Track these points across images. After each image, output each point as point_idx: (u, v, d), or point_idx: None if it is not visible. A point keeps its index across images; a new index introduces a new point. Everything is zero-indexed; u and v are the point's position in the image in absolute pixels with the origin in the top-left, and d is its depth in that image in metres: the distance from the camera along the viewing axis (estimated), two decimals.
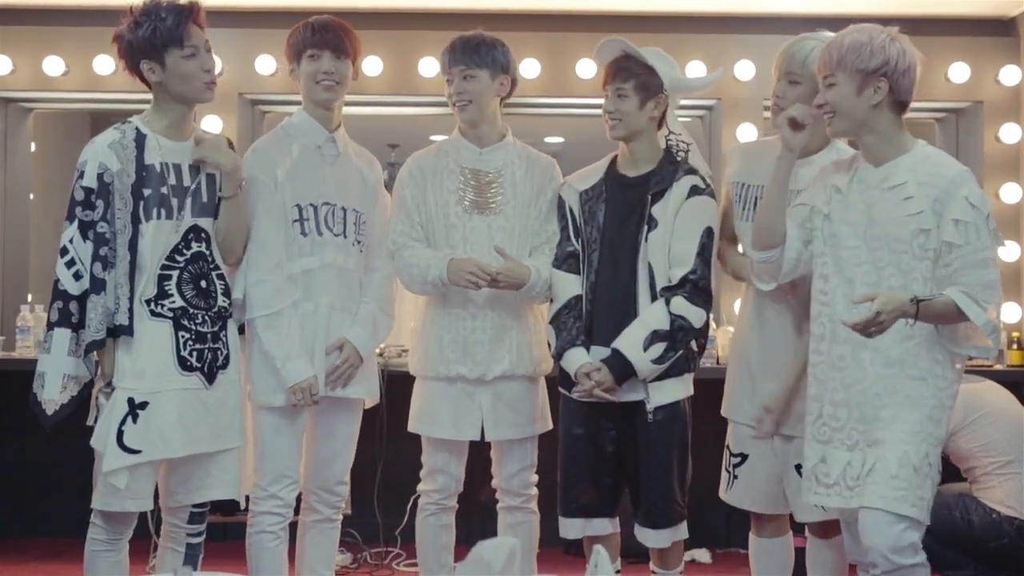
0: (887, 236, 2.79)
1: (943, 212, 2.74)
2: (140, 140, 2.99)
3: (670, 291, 3.14)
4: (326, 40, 3.22)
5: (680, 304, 3.13)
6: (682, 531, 3.27)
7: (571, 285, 3.25)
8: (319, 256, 3.23)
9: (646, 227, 3.17)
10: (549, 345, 3.31)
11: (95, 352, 2.94)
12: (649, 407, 3.17)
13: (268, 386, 3.20)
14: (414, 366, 3.42)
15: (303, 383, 3.16)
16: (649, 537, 3.24)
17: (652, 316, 3.13)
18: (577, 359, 3.18)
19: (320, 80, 3.24)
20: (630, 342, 3.12)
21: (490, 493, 3.48)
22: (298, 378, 3.16)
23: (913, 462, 2.74)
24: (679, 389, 3.21)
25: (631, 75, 3.20)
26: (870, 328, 2.68)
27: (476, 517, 4.31)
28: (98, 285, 2.91)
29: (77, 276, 2.93)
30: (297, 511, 3.34)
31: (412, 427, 3.40)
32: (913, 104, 2.91)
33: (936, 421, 2.79)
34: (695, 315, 3.14)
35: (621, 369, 3.12)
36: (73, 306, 2.93)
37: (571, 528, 3.28)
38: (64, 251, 2.94)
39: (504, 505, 3.43)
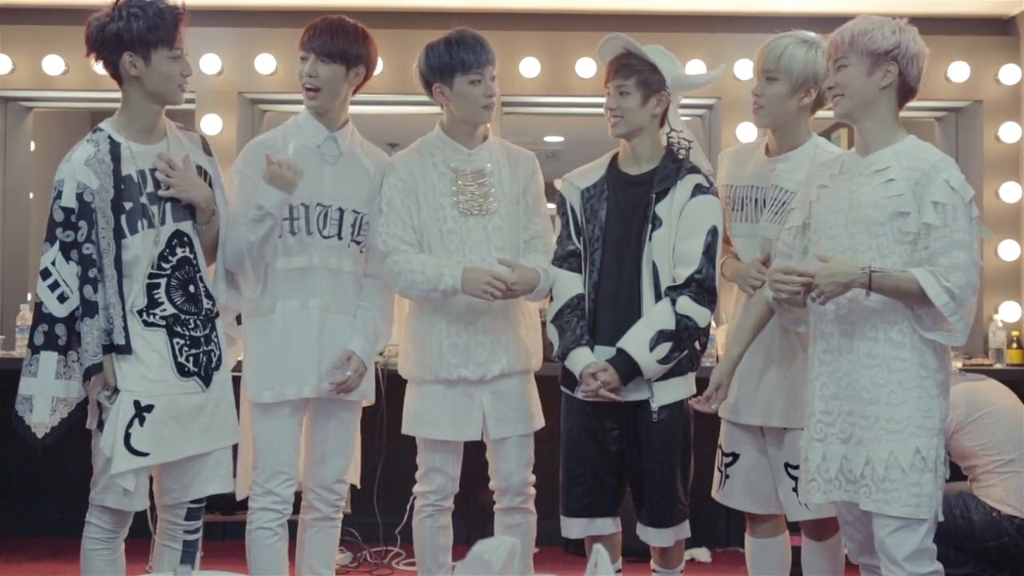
0: (866, 219, 2.80)
1: (923, 195, 2.75)
2: (115, 150, 2.95)
3: (675, 291, 3.14)
4: (312, 44, 3.21)
5: (686, 304, 3.12)
6: (685, 530, 3.27)
7: (573, 284, 3.24)
8: (308, 256, 3.23)
9: (650, 226, 3.16)
10: (553, 345, 3.30)
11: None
12: (654, 406, 3.17)
13: (261, 383, 3.21)
14: (408, 370, 3.37)
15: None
16: (652, 536, 3.24)
17: (657, 316, 3.12)
18: (582, 359, 3.17)
19: (304, 83, 3.24)
20: (636, 342, 3.10)
21: (489, 494, 3.46)
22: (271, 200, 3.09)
23: (901, 462, 2.73)
24: (683, 388, 3.21)
25: (633, 72, 3.19)
26: (811, 293, 2.74)
27: (475, 518, 4.30)
28: (91, 308, 2.88)
29: (62, 298, 2.89)
30: (297, 510, 3.34)
31: (408, 429, 3.36)
32: (913, 103, 2.94)
33: (925, 412, 2.77)
34: (700, 315, 3.13)
35: (627, 369, 3.11)
36: (59, 328, 2.89)
37: (574, 528, 3.28)
38: (46, 273, 2.89)
39: (502, 506, 3.41)
